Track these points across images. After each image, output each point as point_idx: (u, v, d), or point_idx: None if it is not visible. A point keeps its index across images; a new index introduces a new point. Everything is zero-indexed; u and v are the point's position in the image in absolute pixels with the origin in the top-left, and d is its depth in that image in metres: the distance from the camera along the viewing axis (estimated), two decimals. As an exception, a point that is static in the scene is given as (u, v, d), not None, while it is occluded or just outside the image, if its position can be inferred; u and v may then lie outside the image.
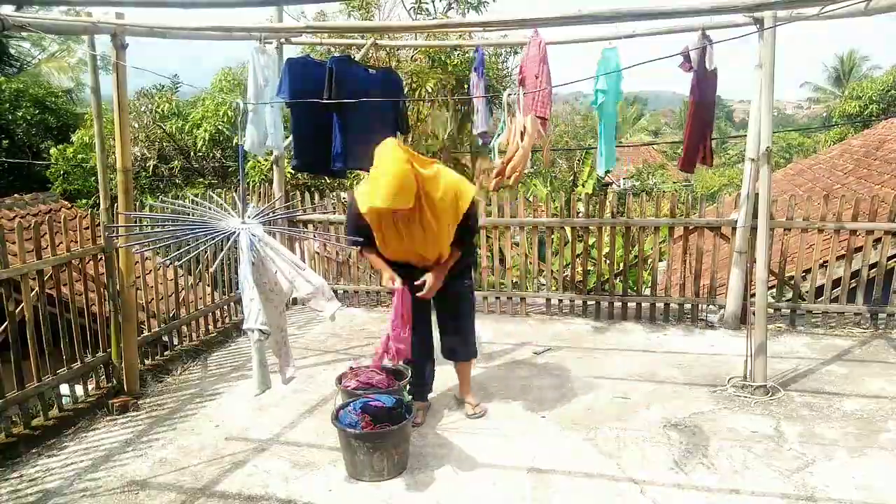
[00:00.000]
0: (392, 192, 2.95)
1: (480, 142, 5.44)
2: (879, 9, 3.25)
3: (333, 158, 4.65)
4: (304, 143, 4.77)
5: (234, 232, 2.87)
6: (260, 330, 2.79)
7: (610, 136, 4.73)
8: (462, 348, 3.71)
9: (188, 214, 3.05)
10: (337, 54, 10.73)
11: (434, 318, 3.72)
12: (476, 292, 5.87)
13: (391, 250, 3.36)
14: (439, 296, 3.51)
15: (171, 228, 2.94)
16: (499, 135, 3.98)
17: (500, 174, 3.29)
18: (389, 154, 3.01)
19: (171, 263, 2.95)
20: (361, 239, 3.35)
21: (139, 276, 4.42)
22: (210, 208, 3.09)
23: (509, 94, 4.24)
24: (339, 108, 4.50)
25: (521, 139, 3.44)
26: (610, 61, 4.51)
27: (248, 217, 2.98)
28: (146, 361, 4.52)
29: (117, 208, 3.99)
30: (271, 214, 3.26)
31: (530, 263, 5.74)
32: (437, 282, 3.35)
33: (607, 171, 4.95)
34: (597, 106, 4.61)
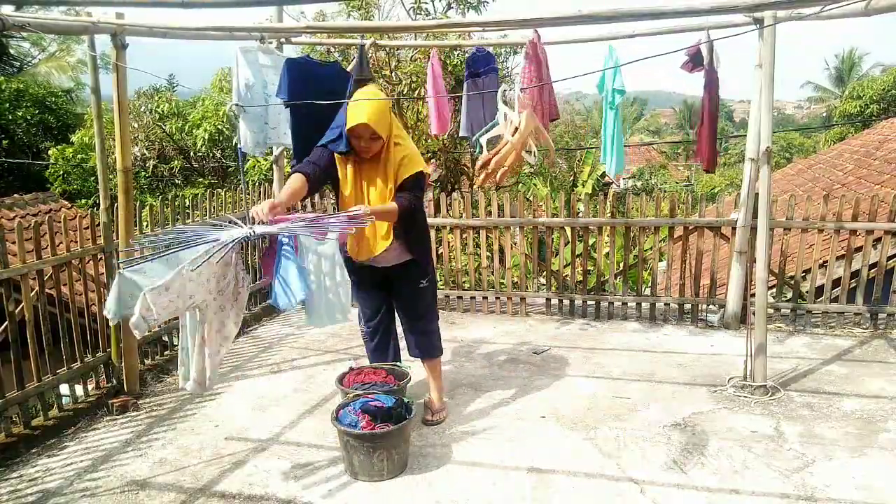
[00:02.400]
0: (376, 113, 3.19)
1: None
2: (879, 9, 3.24)
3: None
4: (305, 144, 4.80)
5: (245, 237, 2.87)
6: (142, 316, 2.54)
7: (620, 138, 4.71)
8: (422, 347, 3.71)
9: (193, 237, 3.01)
10: (338, 55, 10.71)
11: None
12: (476, 292, 5.91)
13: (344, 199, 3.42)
14: (396, 298, 3.68)
15: (177, 249, 2.90)
16: (487, 130, 3.99)
17: (484, 166, 3.27)
18: (374, 90, 3.41)
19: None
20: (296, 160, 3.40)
21: (139, 276, 4.42)
22: (217, 224, 3.08)
23: (504, 91, 4.24)
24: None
25: (513, 136, 3.43)
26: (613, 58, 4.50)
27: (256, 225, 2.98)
28: (146, 361, 4.52)
29: (117, 209, 3.99)
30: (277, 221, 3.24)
31: (530, 263, 5.74)
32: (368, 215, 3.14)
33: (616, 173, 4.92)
34: (613, 107, 4.59)
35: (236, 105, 4.37)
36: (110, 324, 2.91)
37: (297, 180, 3.19)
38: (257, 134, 4.73)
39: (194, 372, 2.84)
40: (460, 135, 5.54)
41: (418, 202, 3.47)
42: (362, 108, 3.21)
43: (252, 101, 4.57)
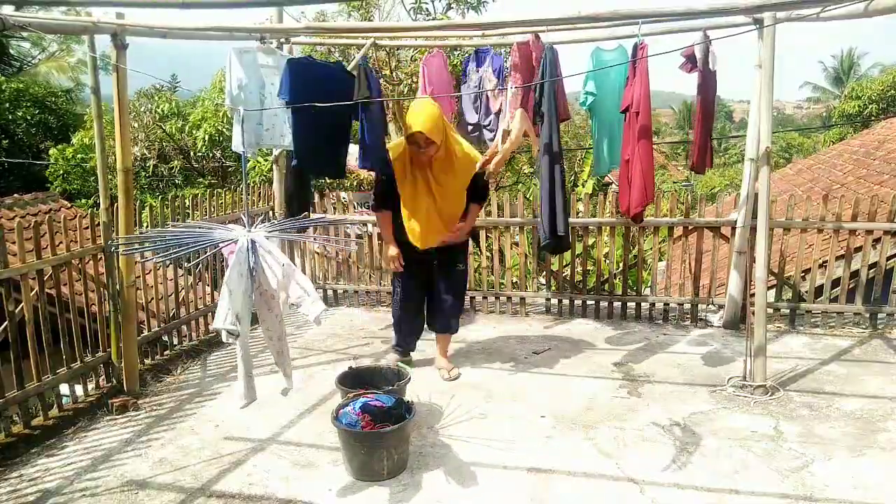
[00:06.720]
0: (429, 122, 3.65)
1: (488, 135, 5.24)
2: (879, 10, 3.25)
3: (363, 157, 4.86)
4: (305, 144, 4.81)
5: (235, 239, 2.86)
6: (228, 330, 2.69)
7: (610, 137, 4.71)
8: (452, 323, 4.35)
9: (193, 232, 3.01)
10: (338, 55, 10.71)
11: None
12: (476, 292, 5.92)
13: (411, 206, 3.87)
14: (441, 278, 4.17)
15: (173, 240, 2.90)
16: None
17: (493, 155, 3.75)
18: (426, 101, 3.92)
19: (169, 263, 3.01)
20: (373, 199, 4.11)
21: (139, 276, 4.42)
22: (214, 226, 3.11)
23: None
24: (365, 108, 4.65)
25: (505, 139, 3.78)
26: (606, 64, 4.50)
27: (254, 228, 2.98)
28: (146, 361, 4.52)
29: (117, 209, 3.99)
30: (277, 225, 3.24)
31: (530, 263, 5.74)
32: (463, 229, 4.07)
33: (604, 174, 4.95)
34: (585, 107, 4.62)
35: (230, 107, 4.39)
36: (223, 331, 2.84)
37: (387, 219, 4.05)
38: (248, 134, 4.72)
39: (288, 381, 3.25)
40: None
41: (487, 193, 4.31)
42: (417, 117, 3.69)
43: (245, 101, 4.56)
